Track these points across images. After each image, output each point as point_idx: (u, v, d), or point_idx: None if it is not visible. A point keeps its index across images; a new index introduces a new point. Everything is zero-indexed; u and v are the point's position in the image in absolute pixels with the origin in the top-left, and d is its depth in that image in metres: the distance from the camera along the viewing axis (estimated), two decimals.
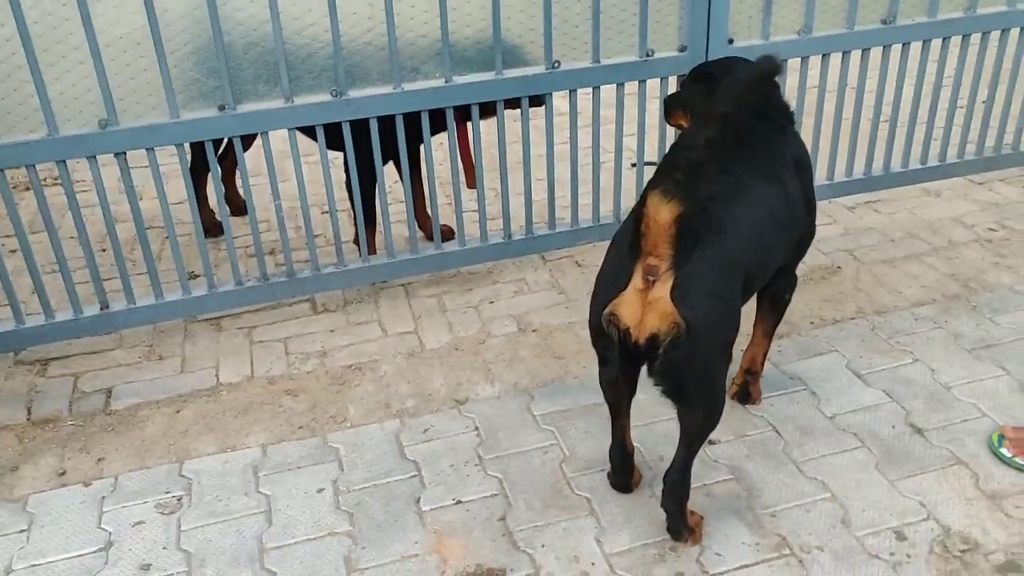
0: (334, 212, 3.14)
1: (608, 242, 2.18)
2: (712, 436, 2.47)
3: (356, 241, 3.32)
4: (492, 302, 3.35)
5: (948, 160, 3.71)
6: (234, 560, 2.29)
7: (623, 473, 2.38)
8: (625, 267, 2.00)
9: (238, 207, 3.88)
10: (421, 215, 3.55)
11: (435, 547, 2.29)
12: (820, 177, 3.48)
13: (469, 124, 3.18)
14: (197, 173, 3.54)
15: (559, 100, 3.30)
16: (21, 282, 3.23)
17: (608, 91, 3.23)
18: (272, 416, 2.81)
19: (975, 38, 3.48)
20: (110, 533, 2.40)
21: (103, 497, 2.52)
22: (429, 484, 2.50)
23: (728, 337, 2.10)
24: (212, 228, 3.69)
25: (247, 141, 3.09)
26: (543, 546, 2.27)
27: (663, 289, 1.96)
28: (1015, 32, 3.51)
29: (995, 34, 3.49)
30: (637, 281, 1.98)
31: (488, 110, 3.12)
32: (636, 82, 3.22)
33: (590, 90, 3.20)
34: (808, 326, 3.10)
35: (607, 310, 2.02)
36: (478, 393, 2.86)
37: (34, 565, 2.31)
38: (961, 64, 3.49)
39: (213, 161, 3.00)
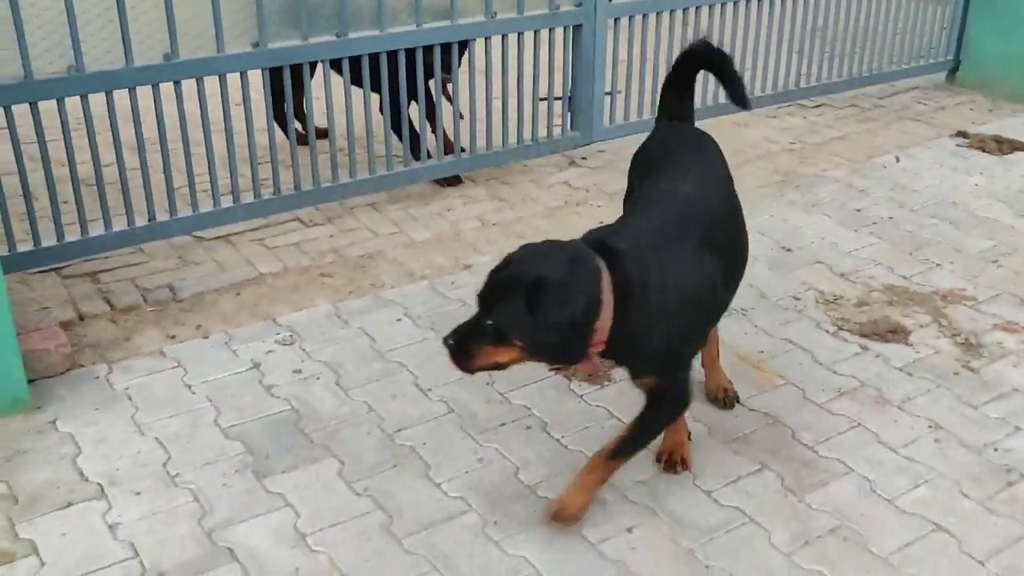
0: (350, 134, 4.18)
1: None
2: None
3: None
4: (450, 210, 4.50)
5: (754, 95, 5.35)
6: (363, 360, 3.31)
7: None
8: None
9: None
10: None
11: None
12: None
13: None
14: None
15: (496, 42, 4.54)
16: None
17: (528, 36, 4.54)
18: (321, 288, 3.80)
19: None
20: (252, 359, 3.32)
21: (225, 343, 3.42)
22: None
23: None
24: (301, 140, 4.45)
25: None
26: None
27: None
28: None
29: None
30: None
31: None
32: (547, 29, 4.57)
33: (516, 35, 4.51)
34: None
35: None
36: (475, 260, 4.01)
37: (204, 381, 3.19)
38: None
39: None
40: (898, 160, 5.03)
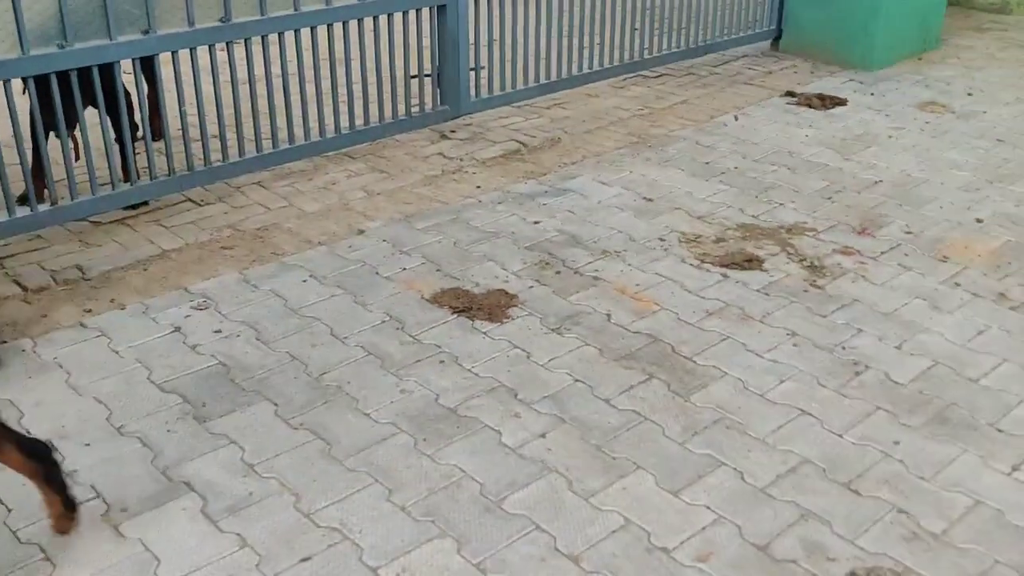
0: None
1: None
2: None
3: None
4: (335, 184, 4.75)
5: (596, 68, 5.80)
6: (280, 316, 3.54)
7: None
8: None
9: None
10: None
11: (408, 285, 3.74)
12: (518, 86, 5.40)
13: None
14: None
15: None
16: None
17: (397, 16, 4.83)
18: (225, 260, 4.00)
19: None
20: (171, 323, 3.51)
21: (143, 312, 3.59)
22: (379, 267, 3.90)
23: None
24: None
25: None
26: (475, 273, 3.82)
27: None
28: None
29: None
30: None
31: None
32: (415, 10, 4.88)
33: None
34: (592, 160, 4.93)
35: None
36: (368, 226, 4.28)
37: (130, 346, 3.37)
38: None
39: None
40: (736, 119, 5.56)
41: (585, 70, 5.79)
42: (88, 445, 2.88)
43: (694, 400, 3.12)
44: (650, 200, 4.52)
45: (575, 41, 5.69)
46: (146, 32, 4.06)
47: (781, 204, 4.47)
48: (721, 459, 2.85)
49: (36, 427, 2.94)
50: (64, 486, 2.54)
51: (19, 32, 3.70)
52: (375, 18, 4.80)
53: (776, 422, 3.02)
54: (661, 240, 4.14)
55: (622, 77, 6.15)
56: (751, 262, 3.95)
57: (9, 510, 2.64)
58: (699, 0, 6.28)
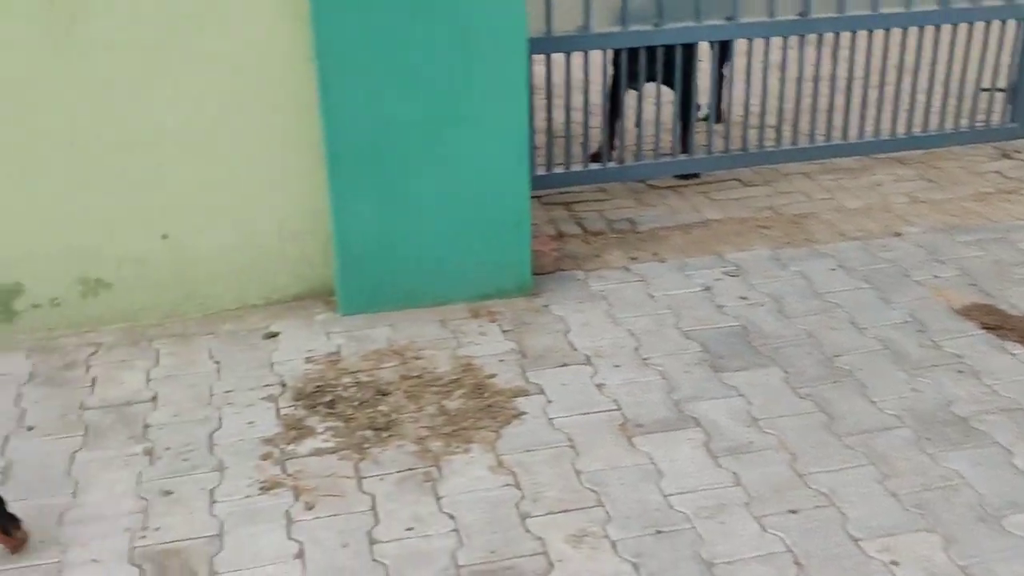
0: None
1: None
2: None
3: None
4: (879, 185, 4.74)
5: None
6: (804, 296, 3.68)
7: None
8: None
9: None
10: None
11: (938, 293, 3.68)
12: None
13: None
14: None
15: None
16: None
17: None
18: (760, 237, 4.21)
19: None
20: (702, 283, 3.80)
21: (679, 269, 3.93)
22: (910, 270, 3.88)
23: None
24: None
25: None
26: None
27: None
28: None
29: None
30: None
31: None
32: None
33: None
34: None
35: None
36: (906, 230, 4.24)
37: (665, 294, 3.72)
38: None
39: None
40: None
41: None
42: (618, 367, 3.26)
43: None
44: None
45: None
46: (729, 19, 4.37)
47: None
48: None
49: (579, 342, 3.40)
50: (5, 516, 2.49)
51: (623, 10, 4.20)
52: (955, 26, 4.68)
53: None
54: None
55: None
56: None
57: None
58: None
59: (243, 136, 3.42)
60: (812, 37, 4.56)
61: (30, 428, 3.02)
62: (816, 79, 4.64)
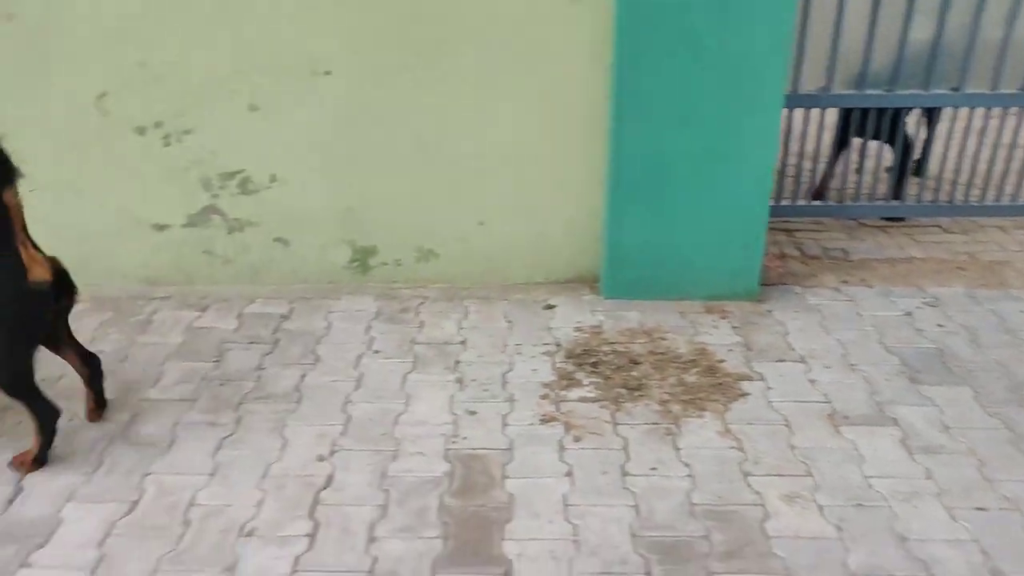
0: None
1: None
2: None
3: None
4: None
5: None
6: (995, 330, 3.45)
7: None
8: None
9: None
10: None
11: None
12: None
13: None
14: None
15: None
16: None
17: None
18: (958, 276, 3.93)
19: None
20: (904, 309, 3.63)
21: (884, 295, 3.76)
22: None
23: None
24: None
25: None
26: None
27: None
28: None
29: None
30: None
31: None
32: None
33: None
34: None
35: None
36: None
37: (871, 314, 3.58)
38: None
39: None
40: None
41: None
42: (828, 368, 3.19)
43: None
44: None
45: None
46: (955, 89, 4.13)
47: None
48: None
49: (795, 343, 3.35)
50: (102, 389, 2.74)
51: (860, 76, 4.05)
52: None
53: None
54: None
55: None
56: None
57: None
58: None
59: (545, 152, 3.58)
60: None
61: (376, 351, 3.31)
62: (1012, 146, 4.31)
